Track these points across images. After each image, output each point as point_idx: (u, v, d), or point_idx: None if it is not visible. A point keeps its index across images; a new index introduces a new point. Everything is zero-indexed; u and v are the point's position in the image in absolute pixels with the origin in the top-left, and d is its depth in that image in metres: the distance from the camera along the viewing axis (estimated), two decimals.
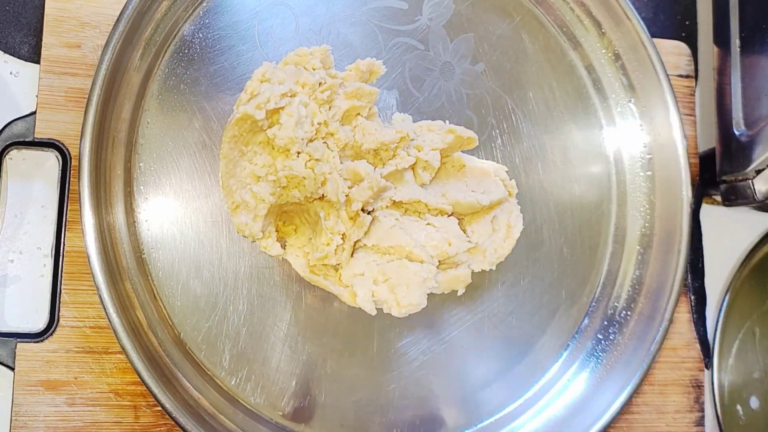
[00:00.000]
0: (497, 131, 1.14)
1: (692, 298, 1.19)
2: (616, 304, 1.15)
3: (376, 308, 1.00)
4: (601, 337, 1.14)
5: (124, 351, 0.96)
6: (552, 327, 1.13)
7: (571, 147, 1.17)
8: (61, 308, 1.00)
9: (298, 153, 0.95)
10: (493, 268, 1.07)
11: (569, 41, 1.20)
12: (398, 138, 1.00)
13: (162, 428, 1.01)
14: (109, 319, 0.96)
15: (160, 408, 0.98)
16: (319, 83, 0.99)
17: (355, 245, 1.02)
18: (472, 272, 1.05)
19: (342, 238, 0.98)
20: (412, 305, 0.99)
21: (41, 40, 1.03)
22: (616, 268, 1.16)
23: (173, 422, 0.98)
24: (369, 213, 1.01)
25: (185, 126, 1.05)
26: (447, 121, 1.04)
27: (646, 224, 1.17)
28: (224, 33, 1.07)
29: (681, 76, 1.24)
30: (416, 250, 0.99)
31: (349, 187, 0.98)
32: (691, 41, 1.30)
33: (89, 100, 0.97)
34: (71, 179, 1.02)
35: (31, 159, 1.04)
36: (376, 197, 1.00)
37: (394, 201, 1.01)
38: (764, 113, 1.12)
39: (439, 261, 1.02)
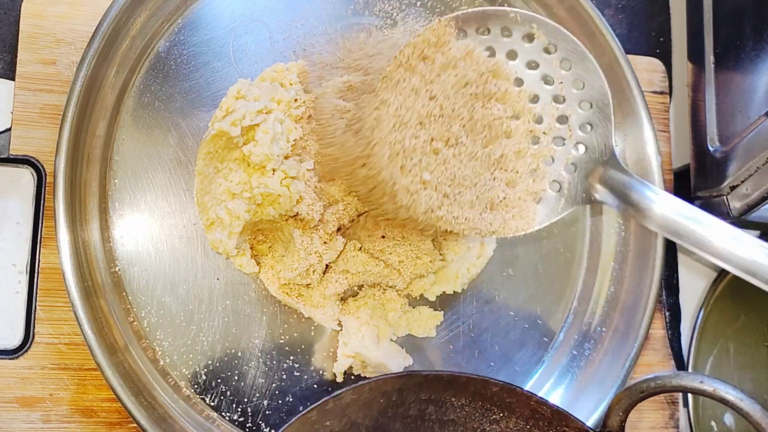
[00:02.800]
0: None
1: (667, 314, 1.20)
2: (591, 320, 1.15)
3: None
4: (576, 353, 1.14)
5: (99, 368, 0.96)
6: (527, 343, 1.13)
7: None
8: (36, 325, 1.00)
9: (274, 170, 0.95)
10: (464, 288, 1.07)
11: None
12: None
13: None
14: (84, 335, 0.95)
15: (135, 425, 0.98)
16: (295, 99, 0.99)
17: (327, 267, 1.02)
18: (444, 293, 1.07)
19: (315, 259, 0.98)
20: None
21: (16, 56, 1.03)
22: (591, 284, 1.17)
23: None
24: (343, 235, 1.01)
25: (160, 143, 1.05)
26: None
27: (621, 240, 1.17)
28: (199, 49, 1.07)
29: (655, 92, 1.25)
30: (386, 270, 1.00)
31: (324, 207, 0.98)
32: (666, 58, 1.31)
33: (64, 116, 0.97)
34: (46, 196, 1.02)
35: (5, 176, 1.03)
36: (351, 219, 1.00)
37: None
38: (738, 129, 1.12)
39: (410, 280, 1.02)
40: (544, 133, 0.98)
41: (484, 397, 0.94)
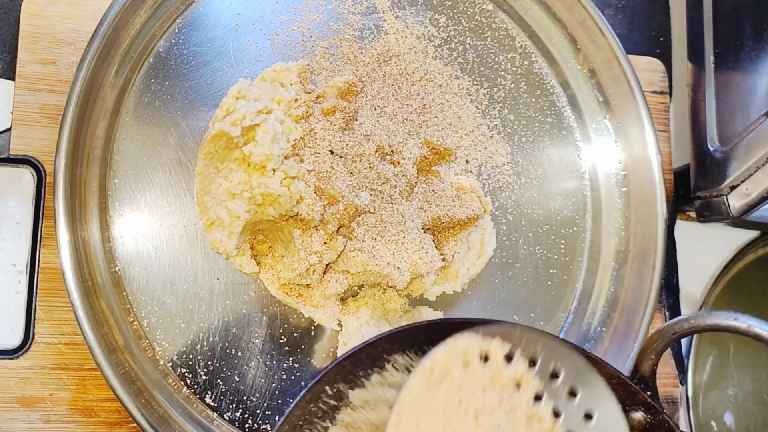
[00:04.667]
0: (473, 146, 1.14)
1: (667, 314, 1.20)
2: (591, 320, 1.15)
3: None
4: None
5: (99, 368, 0.96)
6: None
7: (547, 163, 1.17)
8: (36, 325, 1.00)
9: (274, 170, 0.95)
10: (464, 288, 1.07)
11: (544, 57, 1.21)
12: (374, 149, 1.00)
13: None
14: (84, 335, 0.95)
15: (135, 425, 0.98)
16: (295, 99, 0.99)
17: (327, 267, 1.02)
18: (443, 293, 1.06)
19: (315, 259, 0.98)
20: None
21: (16, 56, 1.03)
22: (591, 284, 1.17)
23: None
24: (344, 235, 1.01)
25: (160, 142, 1.05)
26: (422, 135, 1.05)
27: (621, 240, 1.17)
28: (199, 49, 1.07)
29: (655, 92, 1.25)
30: (386, 270, 1.00)
31: (324, 207, 0.98)
32: (666, 58, 1.31)
33: (64, 116, 0.97)
34: (46, 196, 1.02)
35: (5, 176, 1.03)
36: (351, 219, 1.00)
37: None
38: (738, 129, 1.12)
39: (410, 279, 1.02)
40: None
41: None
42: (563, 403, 0.85)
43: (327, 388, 0.88)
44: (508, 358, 0.84)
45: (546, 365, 0.85)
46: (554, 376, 0.85)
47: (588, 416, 0.85)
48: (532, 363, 0.85)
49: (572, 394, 0.85)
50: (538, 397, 0.84)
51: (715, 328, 0.86)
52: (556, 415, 0.85)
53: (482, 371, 0.84)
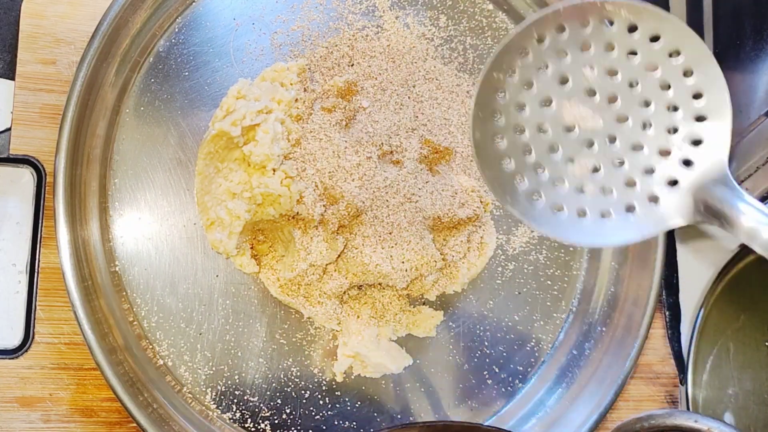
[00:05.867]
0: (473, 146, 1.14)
1: (667, 314, 1.20)
2: (591, 320, 1.15)
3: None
4: (576, 352, 1.14)
5: (99, 368, 0.96)
6: (527, 343, 1.13)
7: None
8: (36, 325, 1.00)
9: (274, 170, 0.95)
10: (465, 287, 1.07)
11: None
12: (374, 148, 1.01)
13: None
14: (84, 335, 0.96)
15: (135, 425, 0.98)
16: (295, 99, 0.99)
17: (327, 267, 1.02)
18: (444, 293, 1.06)
19: (315, 259, 0.98)
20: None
21: (16, 56, 1.03)
22: (591, 283, 1.17)
23: None
24: (344, 235, 1.01)
25: (160, 142, 1.05)
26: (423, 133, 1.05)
27: None
28: (199, 49, 1.07)
29: None
30: (386, 270, 1.00)
31: (324, 207, 0.98)
32: None
33: (64, 116, 0.98)
34: (46, 195, 1.02)
35: (5, 175, 1.03)
36: (351, 219, 1.00)
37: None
38: (738, 129, 1.12)
39: (410, 279, 1.02)
40: (649, 141, 0.91)
41: None
42: (675, 78, 0.85)
43: None
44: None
45: (669, 45, 0.85)
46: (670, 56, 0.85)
47: (698, 96, 0.85)
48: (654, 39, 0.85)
49: (687, 74, 0.85)
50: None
51: (676, 428, 0.87)
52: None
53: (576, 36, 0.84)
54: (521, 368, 1.13)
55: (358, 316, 1.04)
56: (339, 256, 1.01)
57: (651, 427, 0.87)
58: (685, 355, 1.21)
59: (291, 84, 1.00)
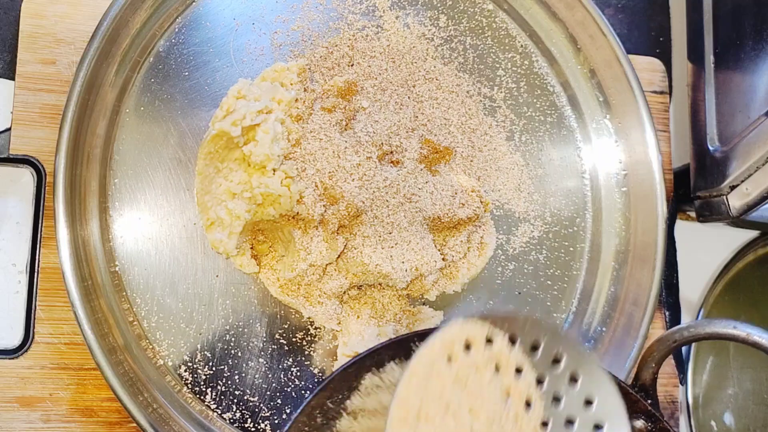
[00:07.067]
0: (473, 146, 1.14)
1: (667, 314, 1.20)
2: (591, 320, 1.15)
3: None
4: None
5: (99, 368, 0.96)
6: None
7: (547, 163, 1.17)
8: (36, 325, 1.00)
9: (274, 170, 0.95)
10: (465, 287, 1.07)
11: (545, 57, 1.21)
12: (374, 148, 1.01)
13: None
14: (84, 335, 0.95)
15: (135, 425, 0.98)
16: (295, 99, 0.99)
17: (327, 267, 1.02)
18: (444, 293, 1.06)
19: (315, 259, 0.98)
20: None
21: (16, 56, 1.03)
22: (591, 284, 1.17)
23: None
24: (344, 235, 1.01)
25: (160, 142, 1.05)
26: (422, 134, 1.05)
27: (622, 240, 1.17)
28: (199, 49, 1.07)
29: (655, 92, 1.25)
30: (386, 270, 1.00)
31: (324, 207, 0.98)
32: (666, 58, 1.31)
33: (64, 116, 0.97)
34: (46, 195, 1.02)
35: (5, 175, 1.03)
36: (351, 219, 1.00)
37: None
38: (738, 129, 1.12)
39: (410, 279, 1.02)
40: None
41: None
42: (564, 388, 0.86)
43: (332, 394, 0.88)
44: (512, 341, 0.84)
45: (549, 351, 0.86)
46: (556, 361, 0.86)
47: (588, 402, 0.85)
48: (534, 349, 0.85)
49: (573, 380, 0.85)
50: (539, 382, 0.84)
51: (714, 336, 0.86)
52: (556, 399, 0.85)
53: (483, 355, 0.84)
54: None
55: (358, 316, 1.04)
56: (339, 256, 1.01)
57: (690, 336, 0.87)
58: (685, 356, 1.21)
59: (291, 84, 1.00)
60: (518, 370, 0.84)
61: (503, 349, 0.84)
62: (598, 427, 0.84)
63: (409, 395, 0.79)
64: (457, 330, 0.83)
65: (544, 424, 0.85)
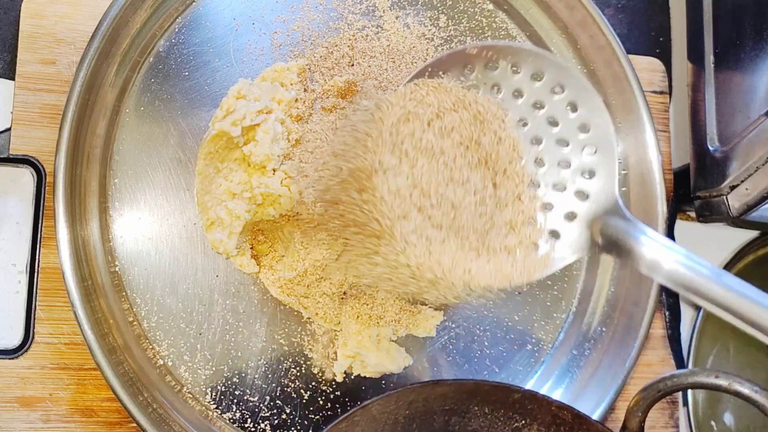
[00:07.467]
0: None
1: (667, 314, 1.20)
2: (591, 320, 1.15)
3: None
4: (576, 353, 1.14)
5: (99, 368, 0.96)
6: (527, 343, 1.13)
7: None
8: (36, 325, 1.00)
9: (274, 170, 0.95)
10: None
11: None
12: None
13: None
14: (84, 335, 0.95)
15: (135, 425, 0.98)
16: (296, 99, 1.00)
17: (326, 267, 1.02)
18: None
19: (316, 258, 0.98)
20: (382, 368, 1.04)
21: (16, 56, 1.03)
22: (591, 283, 1.16)
23: None
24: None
25: (160, 142, 1.05)
26: None
27: None
28: (199, 49, 1.07)
29: (655, 92, 1.25)
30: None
31: (324, 207, 0.98)
32: (666, 57, 1.30)
33: (64, 116, 0.97)
34: (46, 195, 1.02)
35: (5, 175, 1.03)
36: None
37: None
38: (738, 129, 1.12)
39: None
40: (544, 178, 0.94)
41: (506, 405, 0.95)
42: (561, 113, 0.91)
43: None
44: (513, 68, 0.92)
45: (551, 82, 0.93)
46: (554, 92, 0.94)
47: (584, 130, 0.93)
48: (537, 78, 0.93)
49: (573, 109, 0.93)
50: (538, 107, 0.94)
51: (698, 385, 0.88)
52: (553, 124, 0.94)
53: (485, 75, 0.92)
54: (521, 368, 1.13)
55: (358, 316, 1.04)
56: (339, 256, 1.01)
57: (674, 386, 0.88)
58: (685, 355, 1.21)
59: (291, 84, 1.00)
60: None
61: (506, 72, 0.93)
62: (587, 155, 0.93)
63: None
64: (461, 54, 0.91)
65: (538, 143, 0.94)
